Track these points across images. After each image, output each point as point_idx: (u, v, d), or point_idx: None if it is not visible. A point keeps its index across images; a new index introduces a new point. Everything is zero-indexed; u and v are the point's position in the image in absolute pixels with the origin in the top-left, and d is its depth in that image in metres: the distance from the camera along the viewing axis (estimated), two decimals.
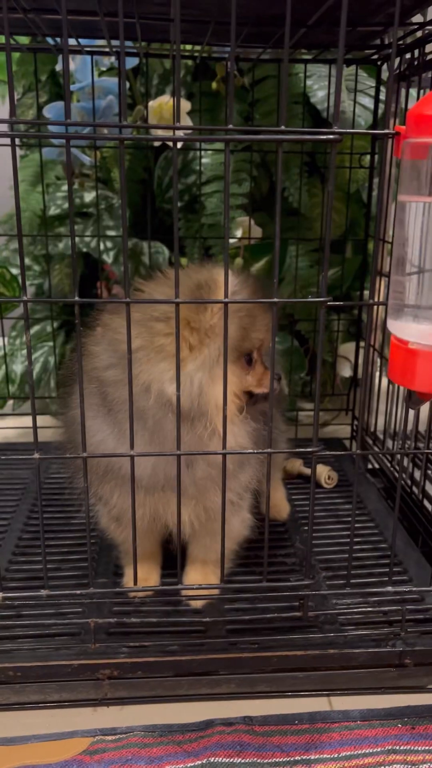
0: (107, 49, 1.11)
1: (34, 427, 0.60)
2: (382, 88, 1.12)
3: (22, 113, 1.46)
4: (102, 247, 1.37)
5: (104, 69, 1.34)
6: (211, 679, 0.72)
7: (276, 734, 0.69)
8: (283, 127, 0.56)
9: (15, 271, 1.45)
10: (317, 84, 1.34)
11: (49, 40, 1.05)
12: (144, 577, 0.82)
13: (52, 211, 1.38)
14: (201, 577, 0.82)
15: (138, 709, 0.73)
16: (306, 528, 0.96)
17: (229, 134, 0.55)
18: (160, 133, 1.05)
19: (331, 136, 0.57)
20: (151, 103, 1.26)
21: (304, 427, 1.34)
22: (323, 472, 1.09)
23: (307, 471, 1.13)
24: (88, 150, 1.30)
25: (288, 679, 0.73)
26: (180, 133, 0.99)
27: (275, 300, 0.59)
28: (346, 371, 1.39)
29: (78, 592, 0.66)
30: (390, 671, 0.73)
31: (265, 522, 0.69)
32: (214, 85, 1.18)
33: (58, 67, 1.27)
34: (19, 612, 0.76)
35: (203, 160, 1.39)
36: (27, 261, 1.54)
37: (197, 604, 0.80)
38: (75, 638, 0.73)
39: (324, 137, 0.57)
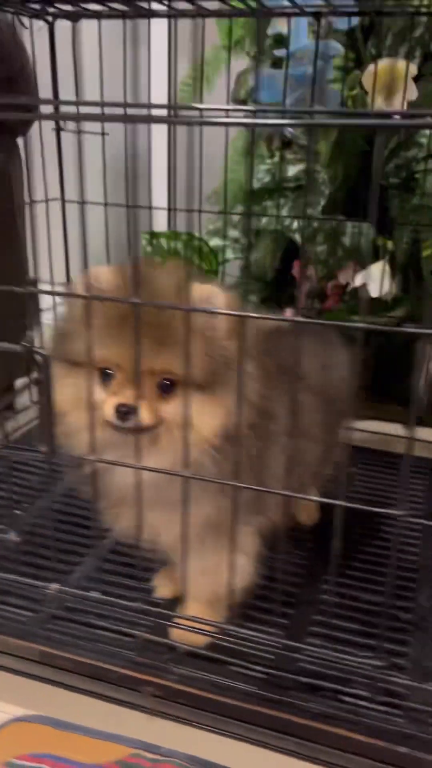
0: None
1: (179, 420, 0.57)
2: None
3: (245, 81, 1.42)
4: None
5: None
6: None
7: None
8: None
9: (213, 243, 1.44)
10: None
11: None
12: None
13: (255, 184, 1.33)
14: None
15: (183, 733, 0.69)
16: None
17: None
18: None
19: None
20: (370, 68, 1.12)
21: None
22: None
23: None
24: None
25: None
26: None
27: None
28: None
29: None
30: None
31: None
32: None
33: (270, 31, 1.19)
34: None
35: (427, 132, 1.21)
36: (234, 234, 1.52)
37: (197, 641, 0.72)
38: None
39: None
